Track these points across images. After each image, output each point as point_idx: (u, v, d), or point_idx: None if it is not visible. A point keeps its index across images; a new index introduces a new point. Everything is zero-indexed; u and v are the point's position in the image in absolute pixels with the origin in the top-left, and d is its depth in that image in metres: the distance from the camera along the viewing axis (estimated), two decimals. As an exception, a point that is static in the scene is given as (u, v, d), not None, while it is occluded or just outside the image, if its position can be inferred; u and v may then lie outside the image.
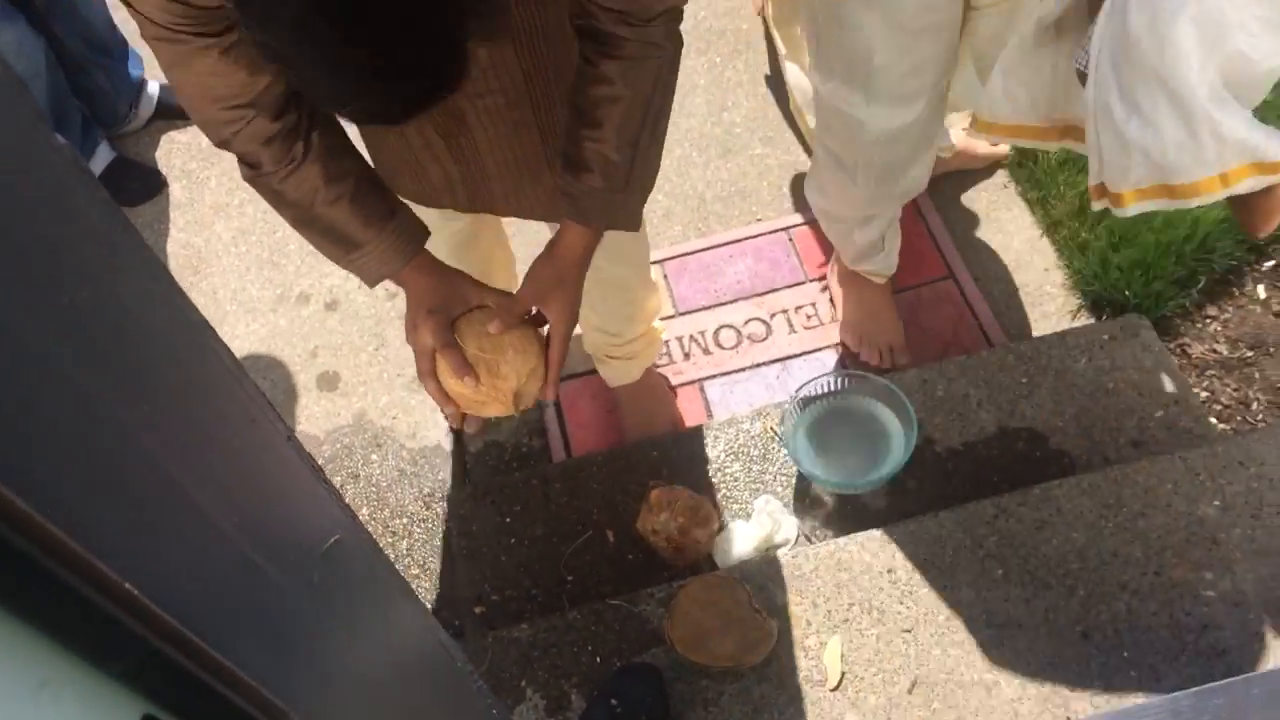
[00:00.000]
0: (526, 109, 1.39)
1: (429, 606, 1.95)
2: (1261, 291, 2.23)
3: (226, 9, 1.02)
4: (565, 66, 1.33)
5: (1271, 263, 2.25)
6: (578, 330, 2.03)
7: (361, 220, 1.32)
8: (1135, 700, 1.51)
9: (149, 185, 2.76)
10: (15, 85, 0.51)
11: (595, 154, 1.29)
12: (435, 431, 2.24)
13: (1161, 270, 2.21)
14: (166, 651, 0.48)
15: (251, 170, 1.28)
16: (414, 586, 1.97)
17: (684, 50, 1.31)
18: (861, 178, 1.88)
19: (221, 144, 1.25)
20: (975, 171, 2.49)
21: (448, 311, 1.37)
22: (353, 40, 0.85)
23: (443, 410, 1.40)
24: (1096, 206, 1.50)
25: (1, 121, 0.48)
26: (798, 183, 2.55)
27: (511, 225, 2.04)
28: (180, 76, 1.17)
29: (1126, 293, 2.20)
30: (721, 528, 1.87)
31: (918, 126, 1.76)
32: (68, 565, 0.42)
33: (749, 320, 2.35)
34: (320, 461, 2.21)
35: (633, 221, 1.40)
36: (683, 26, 1.29)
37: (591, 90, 1.27)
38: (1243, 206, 1.43)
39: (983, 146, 2.46)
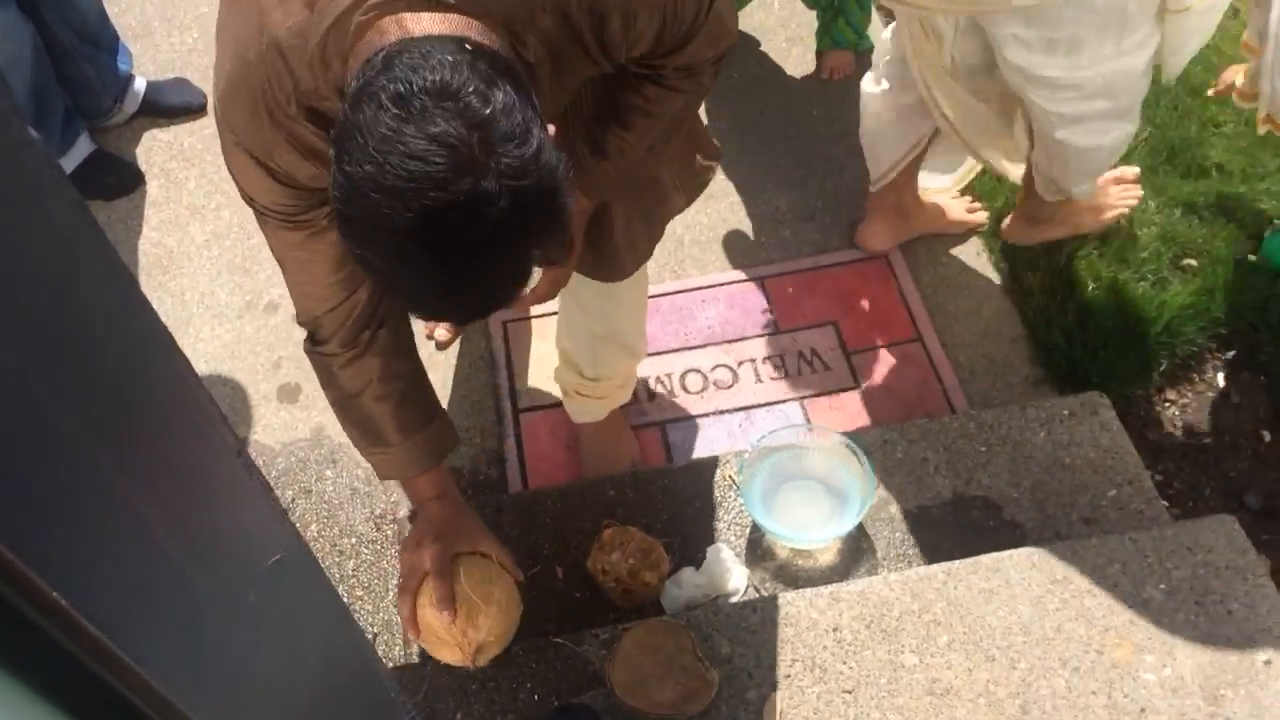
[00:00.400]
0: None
1: (369, 631, 1.92)
2: (1221, 380, 2.26)
3: None
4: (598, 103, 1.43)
5: (1233, 352, 2.28)
6: (554, 362, 2.05)
7: (397, 424, 1.43)
8: (1069, 778, 1.51)
9: (126, 180, 2.74)
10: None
11: (616, 148, 1.40)
12: (393, 452, 2.22)
13: (1125, 350, 2.24)
14: (90, 665, 0.47)
15: (316, 346, 1.39)
16: (355, 609, 1.94)
17: None
18: (1138, 107, 2.04)
19: (310, 321, 1.37)
20: (950, 237, 2.52)
21: (455, 544, 1.49)
22: (440, 264, 0.96)
23: (405, 628, 1.50)
24: (1261, 131, 1.98)
25: (-27, 115, 0.48)
26: (775, 233, 2.57)
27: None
28: (297, 256, 1.30)
29: (1090, 370, 2.23)
30: (671, 572, 1.86)
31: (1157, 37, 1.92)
32: (-5, 572, 0.41)
33: (716, 366, 2.36)
34: (273, 474, 2.18)
35: (621, 196, 1.53)
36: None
37: (631, 98, 1.37)
38: None
39: (959, 212, 2.50)
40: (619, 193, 1.51)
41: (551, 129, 1.03)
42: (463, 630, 1.46)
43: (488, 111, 0.92)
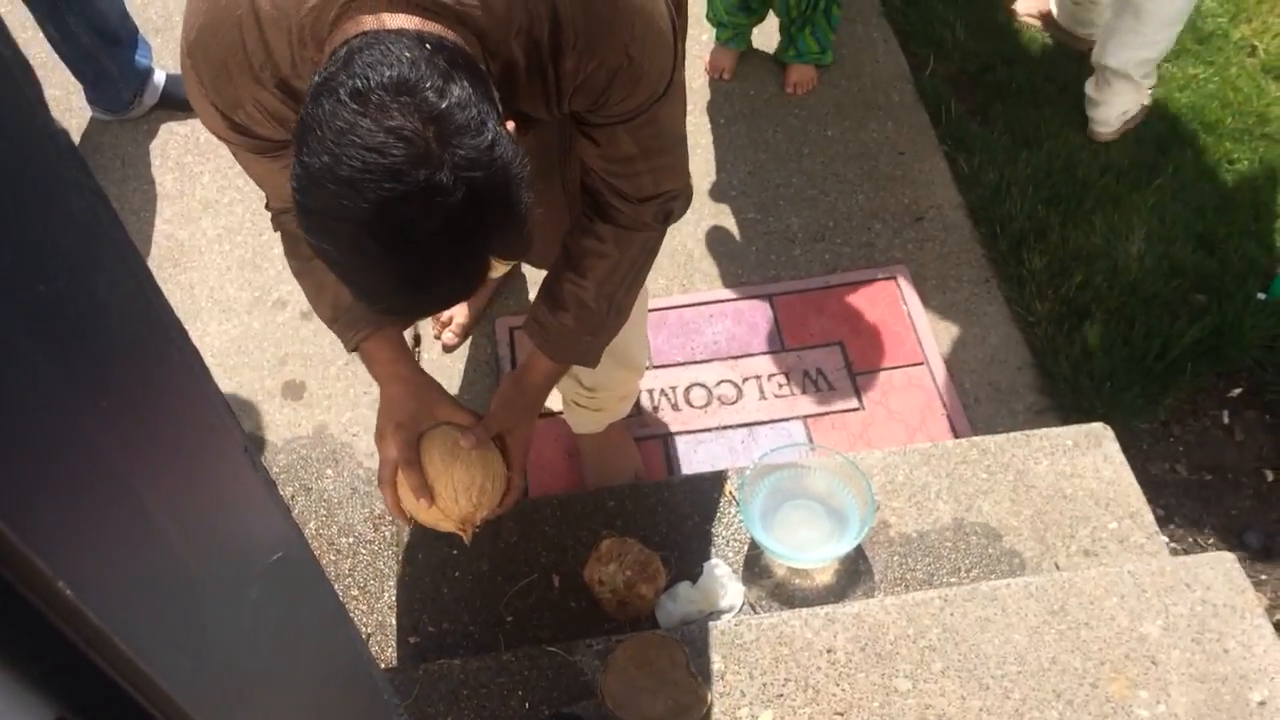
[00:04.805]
0: (555, 178, 1.50)
1: (363, 631, 1.92)
2: (1226, 417, 2.26)
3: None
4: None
5: (1239, 390, 2.28)
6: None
7: None
8: (1058, 810, 1.51)
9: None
10: (19, 66, 0.51)
11: (573, 297, 1.40)
12: (394, 454, 2.23)
13: (1131, 384, 2.24)
14: (90, 656, 0.47)
15: (282, 216, 1.40)
16: (351, 608, 1.94)
17: (689, 106, 1.37)
18: None
19: (280, 206, 1.39)
20: (960, 263, 2.52)
21: (416, 426, 1.46)
22: (396, 256, 0.97)
23: (395, 516, 1.50)
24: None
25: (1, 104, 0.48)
26: (786, 252, 2.57)
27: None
28: (264, 173, 1.32)
29: (1095, 401, 2.23)
30: (668, 586, 1.86)
31: None
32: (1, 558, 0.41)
33: (721, 381, 2.36)
34: (275, 470, 2.18)
35: (594, 359, 1.52)
36: (695, 84, 1.34)
37: (584, 241, 1.37)
38: None
39: None
40: (583, 355, 1.51)
41: (511, 125, 1.05)
42: (443, 511, 1.45)
43: (444, 105, 0.94)
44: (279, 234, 1.45)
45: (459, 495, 1.44)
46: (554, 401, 2.25)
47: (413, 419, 1.47)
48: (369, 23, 1.01)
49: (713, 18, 2.84)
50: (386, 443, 1.46)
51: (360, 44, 0.98)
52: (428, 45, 0.98)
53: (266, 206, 1.43)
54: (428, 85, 0.94)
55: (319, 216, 0.97)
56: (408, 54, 0.96)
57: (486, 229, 1.00)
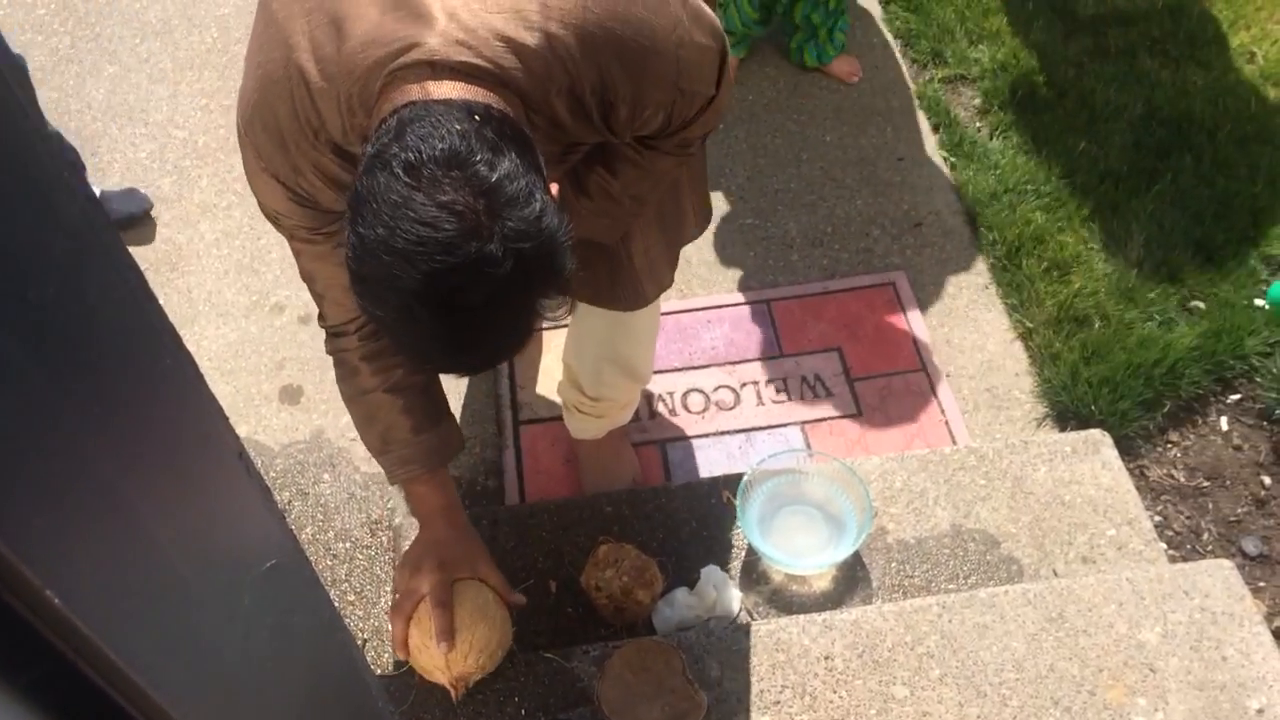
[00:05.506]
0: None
1: (359, 637, 1.91)
2: (1224, 424, 2.25)
3: None
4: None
5: (1236, 396, 2.28)
6: (558, 374, 2.05)
7: (410, 421, 1.45)
8: (1056, 819, 1.50)
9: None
10: (11, 69, 0.51)
11: (599, 188, 1.42)
12: (391, 458, 2.22)
13: (1129, 390, 2.24)
14: (79, 665, 0.46)
15: (338, 341, 1.41)
16: (347, 614, 1.94)
17: None
18: None
19: (336, 325, 1.40)
20: (958, 268, 2.52)
21: (456, 572, 1.51)
22: (446, 323, 1.01)
23: (392, 645, 1.54)
24: None
25: (-9, 107, 0.48)
26: (783, 257, 2.57)
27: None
28: (323, 266, 1.33)
29: (1093, 408, 2.22)
30: (665, 592, 1.85)
31: None
32: (-11, 567, 0.41)
33: (719, 387, 2.35)
34: (271, 475, 2.18)
35: (610, 236, 1.55)
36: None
37: (624, 149, 1.39)
38: None
39: None
40: (596, 232, 1.53)
41: (554, 188, 1.06)
42: (448, 661, 1.49)
43: (494, 178, 0.97)
44: (332, 359, 1.45)
45: (471, 652, 1.48)
46: (554, 408, 2.25)
47: (455, 563, 1.51)
48: (415, 92, 1.04)
49: (726, 27, 2.85)
50: (419, 578, 1.49)
51: (410, 115, 1.01)
52: (476, 116, 1.01)
53: (321, 322, 1.43)
54: (478, 159, 0.97)
55: (372, 284, 1.01)
56: (458, 126, 0.98)
57: (532, 295, 1.04)
